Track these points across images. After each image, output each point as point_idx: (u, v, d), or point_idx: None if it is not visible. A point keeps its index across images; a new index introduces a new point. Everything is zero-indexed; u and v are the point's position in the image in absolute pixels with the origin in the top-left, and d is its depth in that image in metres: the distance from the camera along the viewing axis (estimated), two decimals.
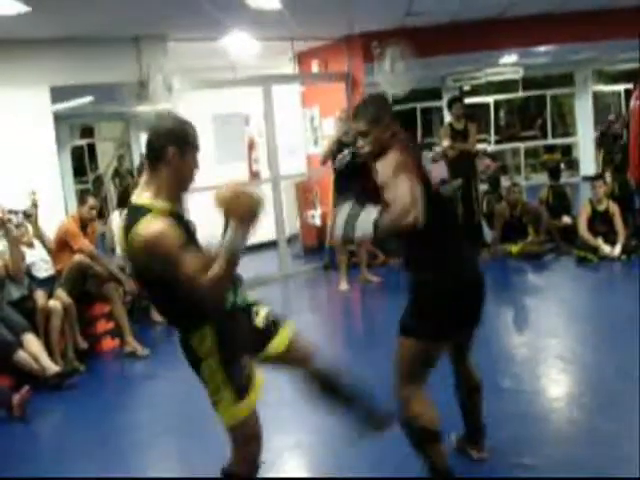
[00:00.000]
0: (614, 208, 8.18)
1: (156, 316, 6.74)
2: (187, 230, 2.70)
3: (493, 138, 16.64)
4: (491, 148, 15.45)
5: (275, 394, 4.90)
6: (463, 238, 3.34)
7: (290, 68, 9.90)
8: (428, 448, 3.12)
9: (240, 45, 8.48)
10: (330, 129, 8.65)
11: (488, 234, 8.87)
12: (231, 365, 2.71)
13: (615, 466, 3.48)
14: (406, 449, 3.20)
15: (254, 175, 9.98)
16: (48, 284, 6.04)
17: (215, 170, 9.21)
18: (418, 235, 2.80)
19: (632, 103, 13.04)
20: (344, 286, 7.84)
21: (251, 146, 10.08)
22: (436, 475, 3.15)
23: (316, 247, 9.79)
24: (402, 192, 2.75)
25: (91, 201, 6.46)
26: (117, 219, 7.27)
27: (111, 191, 14.87)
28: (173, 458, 4.20)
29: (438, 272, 3.08)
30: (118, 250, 7.23)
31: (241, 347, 2.81)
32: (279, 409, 4.48)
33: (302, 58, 9.94)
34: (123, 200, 7.54)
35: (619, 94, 16.96)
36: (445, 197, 3.29)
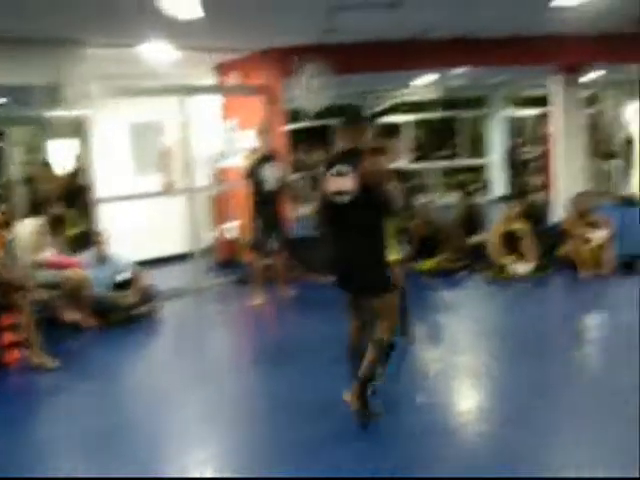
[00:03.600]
0: (525, 228, 8.42)
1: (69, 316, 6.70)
2: None
3: (410, 157, 16.91)
4: (408, 166, 15.67)
5: (194, 409, 4.85)
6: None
7: (211, 78, 9.83)
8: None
9: (158, 53, 8.36)
10: (248, 142, 8.59)
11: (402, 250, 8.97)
12: None
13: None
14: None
15: (169, 186, 9.78)
16: None
17: (132, 180, 9.05)
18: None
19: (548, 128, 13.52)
20: (258, 300, 7.79)
21: (167, 156, 9.89)
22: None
23: (230, 261, 9.70)
24: None
25: (2, 207, 6.24)
26: (29, 226, 7.03)
27: (20, 197, 14.34)
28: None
29: None
30: (26, 258, 7.00)
31: None
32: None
33: (222, 69, 9.88)
34: (35, 207, 7.29)
35: (529, 119, 17.52)
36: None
